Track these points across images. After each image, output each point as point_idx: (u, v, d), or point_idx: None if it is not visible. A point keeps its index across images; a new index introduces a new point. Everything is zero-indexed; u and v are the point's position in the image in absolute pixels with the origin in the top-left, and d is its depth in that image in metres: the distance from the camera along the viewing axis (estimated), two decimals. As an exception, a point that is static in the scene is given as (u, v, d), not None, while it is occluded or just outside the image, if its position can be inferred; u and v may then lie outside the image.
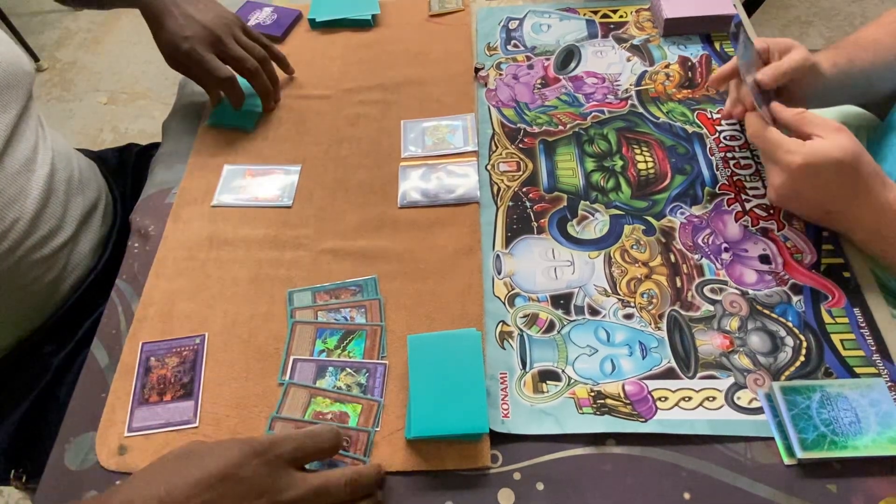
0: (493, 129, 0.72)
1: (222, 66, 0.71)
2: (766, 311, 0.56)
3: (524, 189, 0.66)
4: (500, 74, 0.77)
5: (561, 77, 0.77)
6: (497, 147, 0.70)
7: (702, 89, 0.73)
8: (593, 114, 0.72)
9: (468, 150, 0.69)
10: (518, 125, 0.72)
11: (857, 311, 0.55)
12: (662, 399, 0.51)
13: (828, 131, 0.53)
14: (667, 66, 0.76)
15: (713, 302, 0.56)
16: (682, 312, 0.56)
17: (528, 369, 0.54)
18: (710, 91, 0.73)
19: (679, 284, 0.58)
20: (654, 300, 0.57)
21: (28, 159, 0.62)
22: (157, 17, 0.70)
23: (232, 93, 0.72)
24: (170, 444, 0.51)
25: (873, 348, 0.53)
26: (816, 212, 0.58)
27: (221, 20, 0.72)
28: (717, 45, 0.78)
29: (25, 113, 0.64)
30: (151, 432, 0.52)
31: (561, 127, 0.71)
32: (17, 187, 0.60)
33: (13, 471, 0.67)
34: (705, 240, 0.61)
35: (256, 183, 0.69)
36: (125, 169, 0.86)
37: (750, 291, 0.57)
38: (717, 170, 0.66)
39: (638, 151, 0.68)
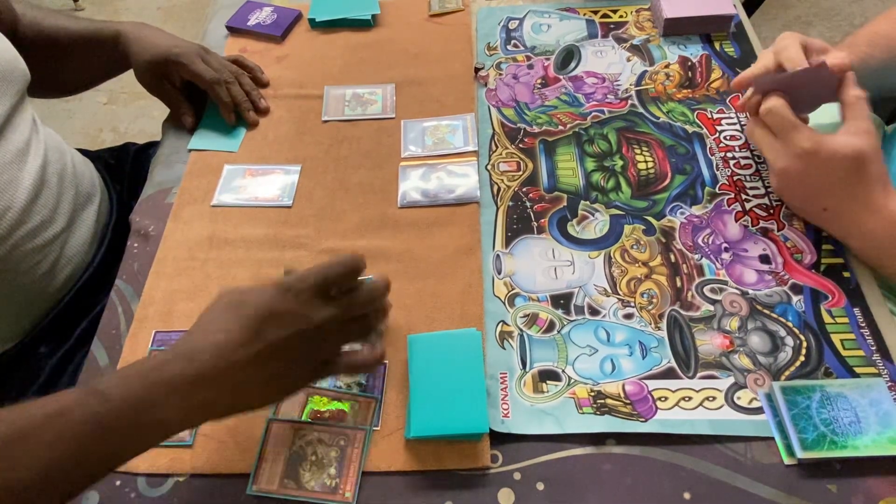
0: (493, 129, 0.72)
1: (209, 69, 0.73)
2: (766, 311, 0.56)
3: (524, 189, 0.66)
4: (500, 74, 0.77)
5: (561, 77, 0.77)
6: (497, 147, 0.70)
7: (702, 89, 0.73)
8: (593, 114, 0.72)
9: (468, 149, 0.69)
10: (518, 125, 0.72)
11: (857, 310, 0.55)
12: (662, 399, 0.51)
13: (854, 127, 0.54)
14: (667, 66, 0.76)
15: (713, 302, 0.56)
16: (682, 312, 0.56)
17: (528, 369, 0.54)
18: (710, 91, 0.73)
19: (679, 284, 0.58)
20: (654, 300, 0.57)
21: (20, 150, 0.63)
22: (140, 37, 0.73)
23: (223, 93, 0.73)
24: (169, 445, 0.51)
25: (873, 348, 0.53)
26: (814, 206, 0.58)
27: (191, 43, 0.75)
28: (716, 45, 0.78)
29: (19, 108, 0.65)
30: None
31: (561, 127, 0.71)
32: (8, 176, 0.61)
33: None
34: (705, 240, 0.61)
35: (256, 183, 0.69)
36: (122, 168, 0.86)
37: (750, 291, 0.57)
38: (718, 170, 0.66)
39: (638, 151, 0.68)
